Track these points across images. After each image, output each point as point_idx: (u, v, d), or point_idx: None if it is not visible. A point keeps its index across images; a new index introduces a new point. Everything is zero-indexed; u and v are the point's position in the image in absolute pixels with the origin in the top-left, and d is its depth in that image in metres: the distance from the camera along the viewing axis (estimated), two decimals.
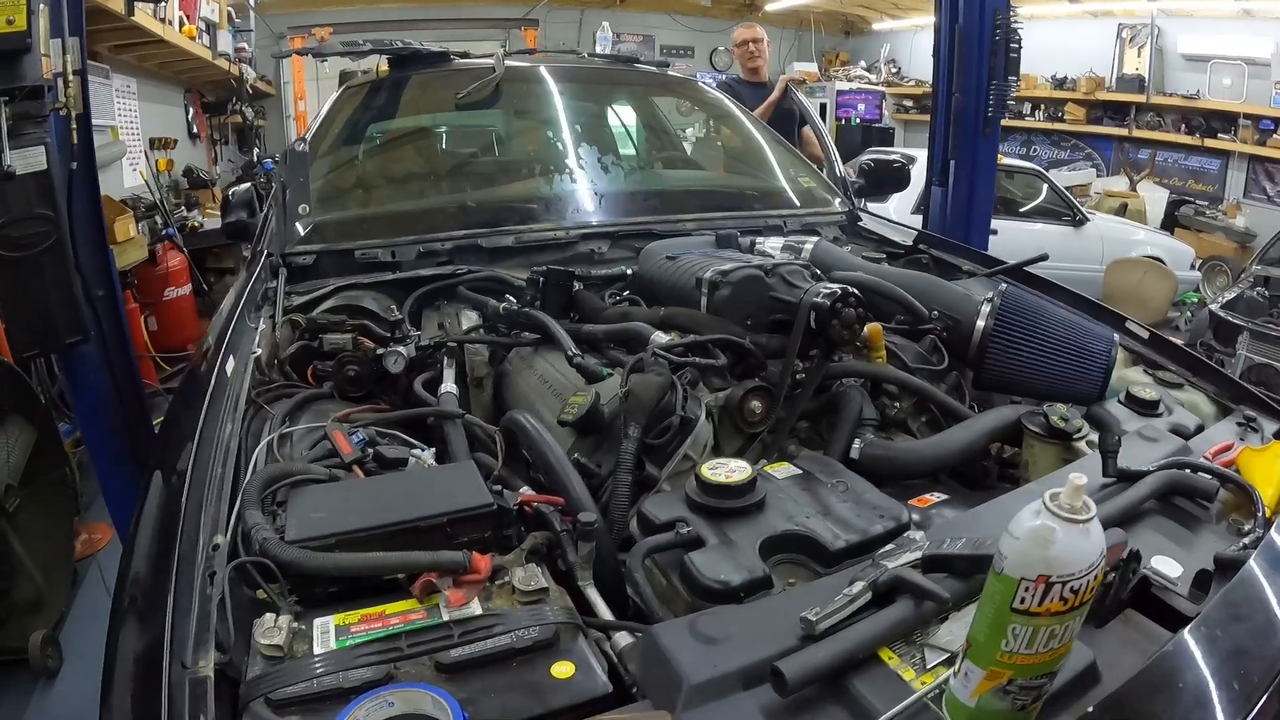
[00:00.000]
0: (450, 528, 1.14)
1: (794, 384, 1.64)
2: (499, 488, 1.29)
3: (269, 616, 0.97)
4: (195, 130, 8.12)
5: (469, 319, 2.13)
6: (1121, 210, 8.94)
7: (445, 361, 1.91)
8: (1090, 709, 0.87)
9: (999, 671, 0.78)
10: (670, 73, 3.88)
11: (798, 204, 3.05)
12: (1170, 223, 9.10)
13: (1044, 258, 2.47)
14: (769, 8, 12.91)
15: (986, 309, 1.89)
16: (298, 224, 2.41)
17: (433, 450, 1.46)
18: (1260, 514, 1.26)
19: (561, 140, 3.17)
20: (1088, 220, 7.47)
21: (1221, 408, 1.87)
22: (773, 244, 2.36)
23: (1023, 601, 0.74)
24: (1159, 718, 0.90)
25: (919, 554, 0.98)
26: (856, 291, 1.62)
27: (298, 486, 1.24)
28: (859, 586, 0.93)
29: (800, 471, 1.32)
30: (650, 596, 1.08)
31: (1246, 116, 8.74)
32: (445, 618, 1.00)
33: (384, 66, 3.11)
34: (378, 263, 2.32)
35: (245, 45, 7.97)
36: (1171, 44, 9.48)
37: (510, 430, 1.53)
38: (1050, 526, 0.73)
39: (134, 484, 2.43)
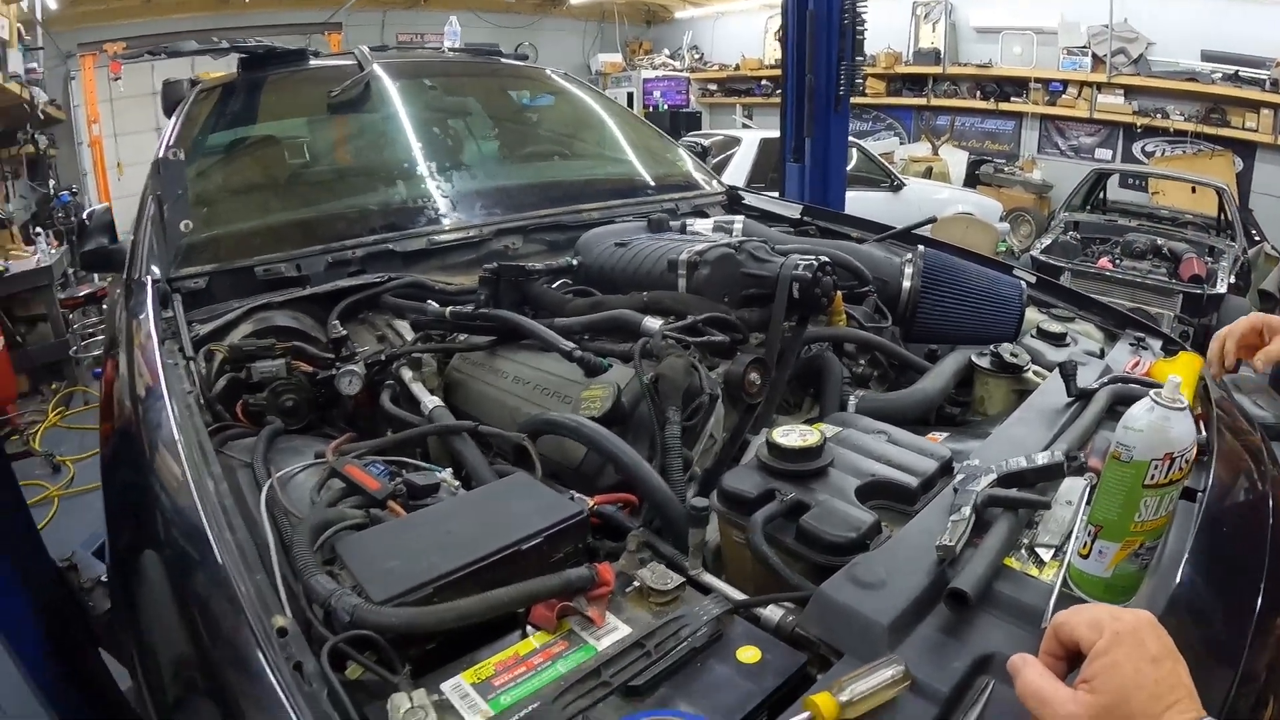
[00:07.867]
0: (545, 546, 1.07)
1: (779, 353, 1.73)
2: (571, 493, 1.26)
3: (399, 697, 0.83)
4: None
5: (404, 328, 2.05)
6: (927, 173, 9.76)
7: (409, 375, 1.82)
8: None
9: (1132, 540, 0.95)
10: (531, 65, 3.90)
11: (685, 187, 3.17)
12: (972, 181, 10.04)
13: (933, 220, 2.75)
14: (573, 1, 13.02)
15: (910, 270, 2.09)
16: (181, 244, 2.18)
17: (449, 470, 1.39)
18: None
19: (451, 136, 3.13)
20: (904, 185, 8.10)
21: (1108, 333, 2.18)
22: (703, 225, 2.43)
23: (1153, 478, 0.92)
24: None
25: (992, 476, 1.14)
26: (830, 262, 1.76)
27: (339, 537, 1.10)
28: (966, 510, 1.06)
29: (839, 429, 1.43)
30: (781, 565, 1.08)
31: (1037, 80, 9.74)
32: (592, 641, 0.95)
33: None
34: (283, 278, 2.16)
35: (35, 65, 7.15)
36: (964, 18, 10.42)
37: (539, 434, 1.48)
38: (1165, 414, 0.91)
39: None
